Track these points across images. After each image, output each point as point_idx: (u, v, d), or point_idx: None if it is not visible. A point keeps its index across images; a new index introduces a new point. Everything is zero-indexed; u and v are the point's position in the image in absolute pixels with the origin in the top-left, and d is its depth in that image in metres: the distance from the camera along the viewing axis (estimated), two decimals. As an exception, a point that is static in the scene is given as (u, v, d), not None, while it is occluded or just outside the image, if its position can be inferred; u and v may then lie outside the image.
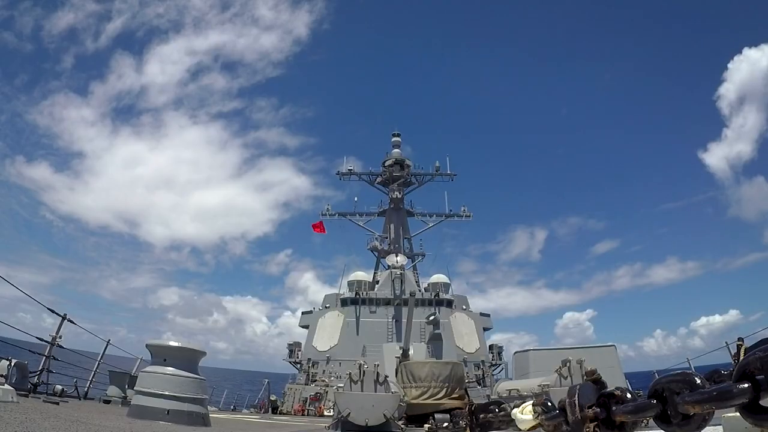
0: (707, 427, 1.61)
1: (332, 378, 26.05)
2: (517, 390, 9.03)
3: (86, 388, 11.03)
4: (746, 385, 1.35)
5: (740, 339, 6.71)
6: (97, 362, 11.16)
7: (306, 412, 21.71)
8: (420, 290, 34.64)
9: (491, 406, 4.77)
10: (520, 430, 3.19)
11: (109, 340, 11.49)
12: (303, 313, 36.85)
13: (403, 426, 7.64)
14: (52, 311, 9.05)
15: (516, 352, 12.41)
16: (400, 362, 10.91)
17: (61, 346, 9.18)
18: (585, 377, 2.34)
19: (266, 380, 24.69)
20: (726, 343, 11.49)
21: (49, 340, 9.00)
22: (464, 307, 35.43)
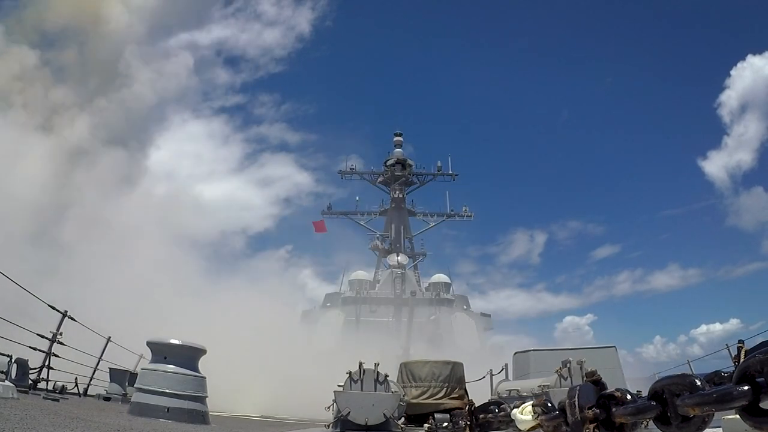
0: (707, 429, 1.61)
1: None
2: (517, 390, 9.01)
3: (87, 385, 11.05)
4: (746, 388, 1.35)
5: (741, 341, 6.69)
6: (97, 359, 11.18)
7: None
8: (421, 290, 34.68)
9: (491, 407, 4.76)
10: (520, 430, 3.19)
11: (110, 337, 11.51)
12: (304, 311, 36.92)
13: (402, 426, 7.63)
14: (53, 308, 9.07)
15: (516, 353, 12.40)
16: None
17: (61, 343, 9.20)
18: (585, 378, 2.33)
19: None
20: (727, 345, 11.47)
21: (50, 336, 9.02)
22: (465, 307, 35.46)
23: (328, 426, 7.39)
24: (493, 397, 8.53)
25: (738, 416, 1.40)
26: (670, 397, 1.65)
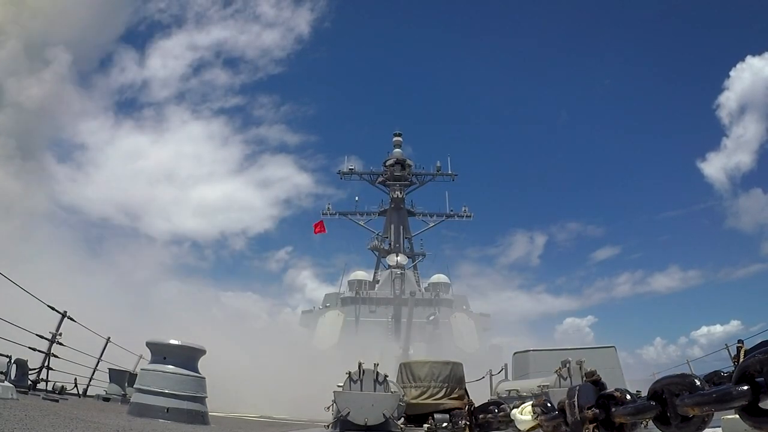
0: (706, 429, 1.61)
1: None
2: (517, 390, 9.01)
3: (86, 386, 11.04)
4: (746, 388, 1.35)
5: (740, 341, 6.69)
6: (97, 360, 11.17)
7: None
8: (420, 290, 34.66)
9: (490, 407, 4.77)
10: (520, 430, 3.19)
11: (109, 337, 11.51)
12: (303, 312, 36.95)
13: (402, 426, 7.63)
14: (53, 308, 9.06)
15: (515, 353, 12.41)
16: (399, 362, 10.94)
17: (61, 344, 9.19)
18: (585, 378, 2.34)
19: None
20: (726, 345, 11.49)
21: (49, 337, 9.01)
22: (464, 307, 35.46)
23: (328, 426, 7.40)
24: (492, 398, 8.53)
25: (737, 416, 1.40)
26: (670, 397, 1.65)
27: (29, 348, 8.67)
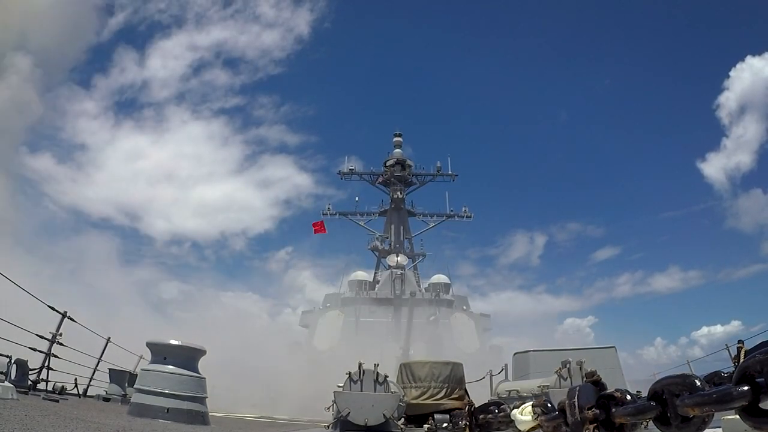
0: (706, 430, 1.61)
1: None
2: (517, 391, 9.02)
3: (86, 386, 11.04)
4: (746, 388, 1.35)
5: (740, 341, 6.69)
6: (97, 360, 11.17)
7: None
8: (420, 290, 34.63)
9: (491, 407, 4.76)
10: (520, 431, 3.19)
11: (109, 338, 11.51)
12: (303, 312, 36.94)
13: (402, 426, 7.63)
14: (53, 309, 9.06)
15: (516, 353, 12.41)
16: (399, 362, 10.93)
17: (61, 344, 9.19)
18: (585, 378, 2.34)
19: None
20: (726, 345, 11.48)
21: (49, 337, 9.01)
22: (464, 307, 35.44)
23: (328, 426, 7.40)
24: (492, 398, 8.53)
25: (738, 416, 1.40)
26: (670, 397, 1.65)
27: (29, 348, 8.67)
